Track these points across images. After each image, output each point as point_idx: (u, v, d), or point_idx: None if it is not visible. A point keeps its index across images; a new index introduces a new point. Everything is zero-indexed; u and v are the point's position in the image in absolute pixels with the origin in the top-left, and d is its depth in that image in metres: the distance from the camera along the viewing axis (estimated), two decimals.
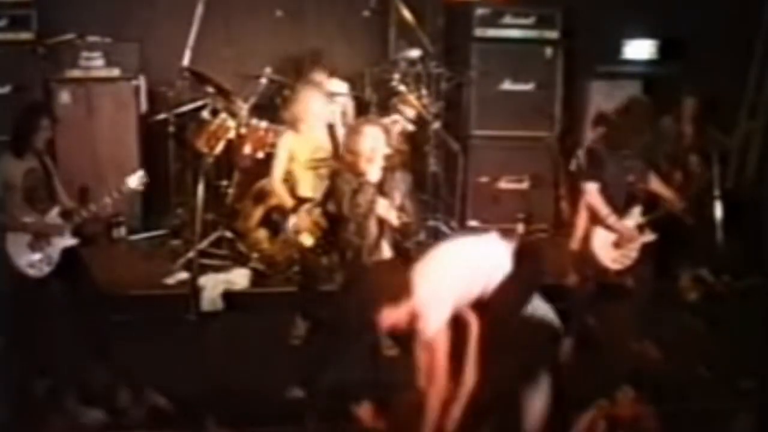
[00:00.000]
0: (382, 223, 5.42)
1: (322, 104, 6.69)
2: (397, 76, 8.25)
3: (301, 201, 6.58)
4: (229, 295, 7.36)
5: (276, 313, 7.01)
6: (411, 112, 7.97)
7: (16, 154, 5.98)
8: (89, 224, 6.43)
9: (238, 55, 8.63)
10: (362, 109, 8.54)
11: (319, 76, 8.53)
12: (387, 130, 5.67)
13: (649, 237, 6.51)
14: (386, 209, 5.40)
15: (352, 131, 5.70)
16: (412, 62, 8.46)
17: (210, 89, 8.03)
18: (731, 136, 8.61)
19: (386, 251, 5.54)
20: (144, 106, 8.83)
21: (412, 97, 8.09)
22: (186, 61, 8.15)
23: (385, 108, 8.15)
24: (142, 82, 8.77)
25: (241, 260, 7.83)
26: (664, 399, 5.79)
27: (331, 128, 6.71)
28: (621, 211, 6.47)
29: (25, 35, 8.33)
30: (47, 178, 6.12)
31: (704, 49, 8.91)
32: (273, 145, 7.79)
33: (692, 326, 7.09)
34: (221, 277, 7.55)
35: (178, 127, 8.36)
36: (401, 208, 5.48)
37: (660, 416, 5.57)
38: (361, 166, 5.50)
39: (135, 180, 6.20)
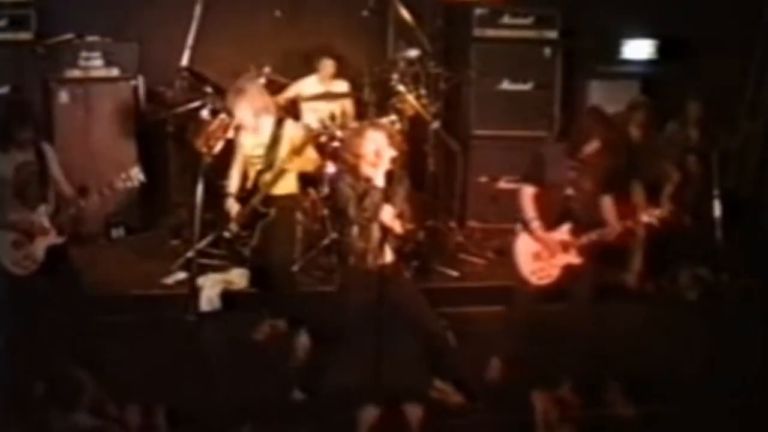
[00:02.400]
0: (385, 227, 5.40)
1: (253, 107, 6.64)
2: (396, 76, 8.23)
3: (242, 191, 6.74)
4: (227, 295, 7.36)
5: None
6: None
7: (1, 148, 5.94)
8: (88, 223, 6.34)
9: (237, 55, 8.63)
10: (361, 109, 8.54)
11: (327, 68, 8.59)
12: (391, 134, 5.64)
13: (574, 259, 5.98)
14: (391, 217, 5.39)
15: (355, 134, 5.68)
16: (411, 62, 8.43)
17: (209, 89, 8.03)
18: (733, 136, 8.61)
19: (388, 255, 5.54)
20: (143, 106, 8.82)
21: (411, 97, 8.09)
22: (185, 61, 8.15)
23: (384, 108, 8.15)
24: (141, 82, 8.78)
25: (239, 260, 7.82)
26: (661, 399, 5.81)
27: (279, 123, 6.70)
28: (552, 222, 6.04)
29: (24, 35, 8.36)
30: (43, 171, 6.05)
31: (703, 49, 8.92)
32: None
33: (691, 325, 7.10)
34: (219, 276, 7.55)
35: (176, 127, 8.36)
36: (401, 215, 5.47)
37: (658, 417, 5.62)
38: (363, 170, 5.49)
39: (132, 175, 6.11)
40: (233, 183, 6.82)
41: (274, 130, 6.60)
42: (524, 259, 6.12)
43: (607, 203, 6.06)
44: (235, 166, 6.85)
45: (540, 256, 6.06)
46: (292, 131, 6.62)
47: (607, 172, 6.04)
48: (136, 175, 6.09)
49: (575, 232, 5.98)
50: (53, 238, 5.99)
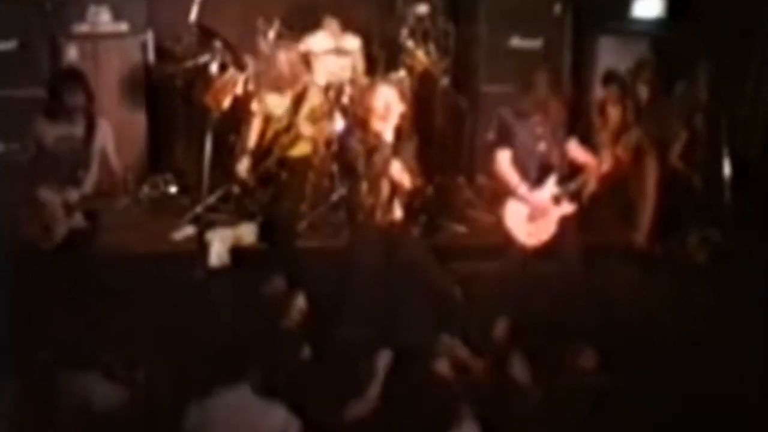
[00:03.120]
0: (394, 182, 5.43)
1: (291, 64, 6.61)
2: (405, 32, 8.20)
3: (258, 149, 6.72)
4: (236, 252, 7.37)
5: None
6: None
7: (49, 115, 5.83)
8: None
9: (245, 9, 8.59)
10: (371, 65, 8.51)
11: (331, 26, 8.54)
12: (401, 90, 5.66)
13: (566, 209, 6.11)
14: (399, 172, 5.40)
15: (367, 88, 5.73)
16: (420, 18, 8.40)
17: (217, 44, 7.99)
18: (743, 97, 8.57)
19: (398, 211, 5.56)
20: (152, 61, 8.78)
21: (420, 53, 8.07)
22: (193, 16, 8.12)
23: (394, 64, 8.13)
24: (149, 37, 8.72)
25: (248, 215, 7.83)
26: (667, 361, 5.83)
27: (303, 92, 6.64)
28: (534, 181, 6.12)
29: None
30: (85, 151, 5.88)
31: (713, 9, 8.84)
32: None
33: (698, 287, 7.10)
34: (229, 232, 7.56)
35: (185, 83, 8.35)
36: (409, 170, 5.49)
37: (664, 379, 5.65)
38: (373, 124, 5.51)
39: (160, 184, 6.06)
40: (251, 140, 6.77)
41: (297, 93, 6.57)
42: (518, 223, 6.15)
43: (573, 145, 6.19)
44: (253, 122, 6.79)
45: (534, 216, 6.10)
46: (314, 98, 6.59)
47: (568, 120, 6.19)
48: (165, 186, 6.08)
49: (561, 182, 6.06)
50: (78, 222, 5.89)
